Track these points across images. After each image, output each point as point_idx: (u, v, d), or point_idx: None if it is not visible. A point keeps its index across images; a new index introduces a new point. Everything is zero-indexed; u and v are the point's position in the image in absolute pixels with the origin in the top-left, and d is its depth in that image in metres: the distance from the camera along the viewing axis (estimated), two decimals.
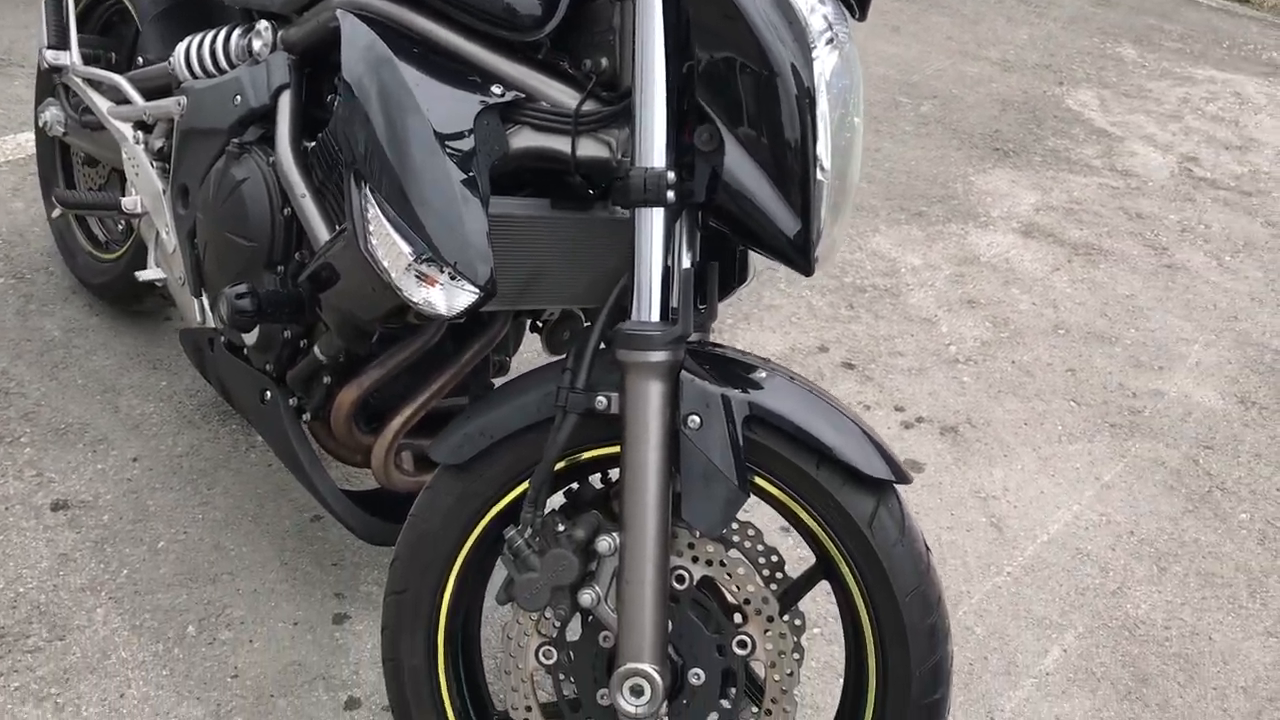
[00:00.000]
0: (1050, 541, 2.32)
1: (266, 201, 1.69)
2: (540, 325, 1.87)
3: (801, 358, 2.75)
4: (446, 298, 1.36)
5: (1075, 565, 2.26)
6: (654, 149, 1.30)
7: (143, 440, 2.22)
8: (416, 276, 1.36)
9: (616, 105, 1.38)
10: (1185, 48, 5.40)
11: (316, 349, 1.66)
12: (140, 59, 2.15)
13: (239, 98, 1.75)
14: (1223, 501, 2.47)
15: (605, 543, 1.36)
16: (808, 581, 1.50)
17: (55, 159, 2.63)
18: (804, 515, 1.40)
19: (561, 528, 1.39)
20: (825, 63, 1.30)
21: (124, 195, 2.06)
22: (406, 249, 1.34)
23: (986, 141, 4.11)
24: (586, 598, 1.37)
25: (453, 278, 1.35)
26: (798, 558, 2.05)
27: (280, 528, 2.06)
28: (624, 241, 1.46)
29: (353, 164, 1.39)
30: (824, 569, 1.46)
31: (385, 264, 1.36)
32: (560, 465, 1.44)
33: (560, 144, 1.41)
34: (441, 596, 1.49)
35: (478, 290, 1.35)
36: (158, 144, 2.03)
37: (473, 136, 1.37)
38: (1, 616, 1.82)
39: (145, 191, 2.02)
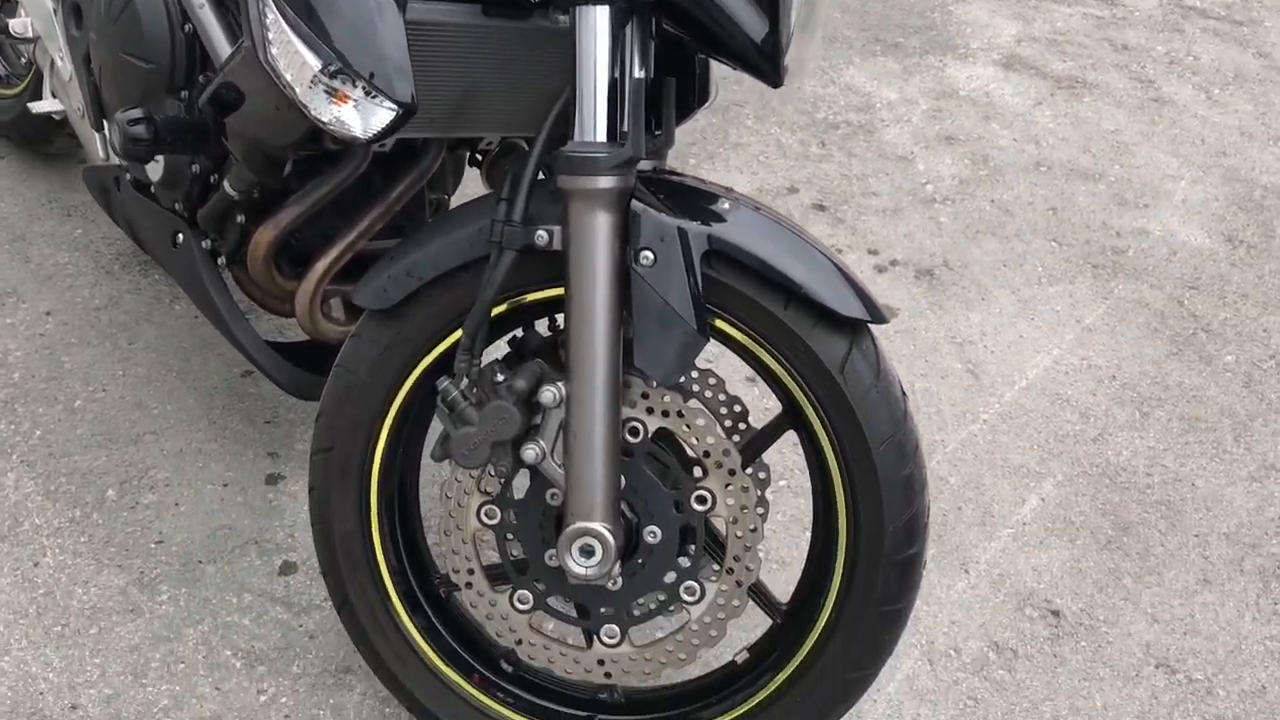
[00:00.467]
0: (1029, 387, 2.21)
1: (164, 16, 1.49)
2: (479, 158, 1.69)
3: (769, 199, 2.58)
4: (361, 117, 1.19)
5: (1054, 411, 2.16)
6: None
7: (56, 293, 2.05)
8: (326, 92, 1.18)
9: None
10: None
11: (226, 184, 1.48)
12: None
13: None
14: (1208, 344, 2.36)
15: (549, 393, 1.23)
16: (773, 432, 1.37)
17: None
18: (769, 360, 1.26)
19: (501, 378, 1.25)
20: None
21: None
22: (313, 60, 1.16)
23: None
24: (530, 453, 1.24)
25: (368, 93, 1.17)
26: (762, 408, 1.93)
27: (208, 384, 1.91)
28: (569, 57, 1.28)
29: None
30: (791, 418, 1.33)
31: (289, 78, 1.18)
32: (501, 309, 1.29)
33: None
34: (372, 454, 1.35)
35: (395, 107, 1.18)
36: None
37: None
38: None
39: (34, 12, 1.80)
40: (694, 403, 1.39)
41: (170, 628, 1.55)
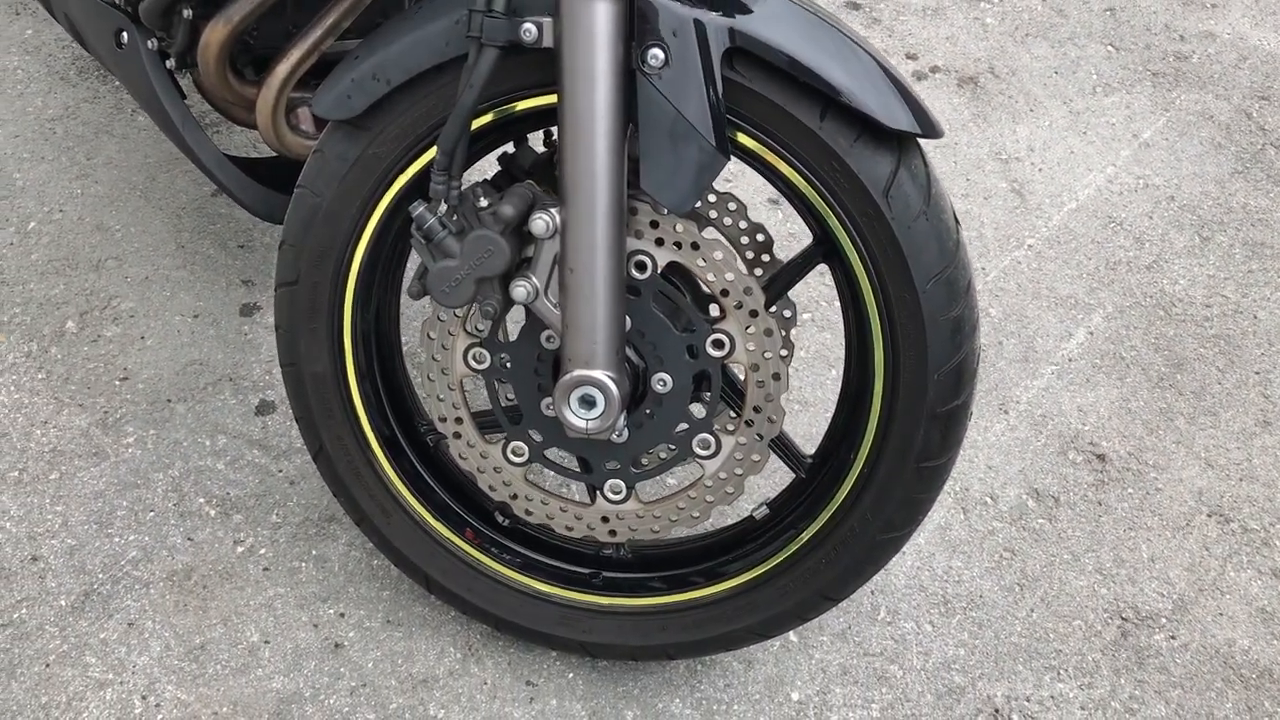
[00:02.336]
0: (1079, 209, 2.01)
1: None
2: None
3: None
4: None
5: (1106, 236, 1.97)
6: None
7: (5, 101, 1.85)
8: None
9: None
10: None
11: None
12: None
13: None
14: (1277, 161, 2.14)
15: (541, 221, 1.05)
16: (802, 266, 1.20)
17: None
18: (800, 182, 1.07)
19: (485, 202, 1.07)
20: None
21: None
22: None
23: None
24: (521, 291, 1.08)
25: None
26: (787, 234, 1.74)
27: (175, 204, 1.74)
28: None
29: None
30: (823, 250, 1.15)
31: None
32: (486, 119, 1.11)
33: None
34: (343, 288, 1.19)
35: None
36: None
37: None
38: None
39: None
40: (710, 232, 1.21)
41: (137, 473, 1.42)
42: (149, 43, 1.39)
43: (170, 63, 1.40)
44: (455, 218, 1.07)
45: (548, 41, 1.01)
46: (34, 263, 1.62)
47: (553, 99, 1.07)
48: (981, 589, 1.44)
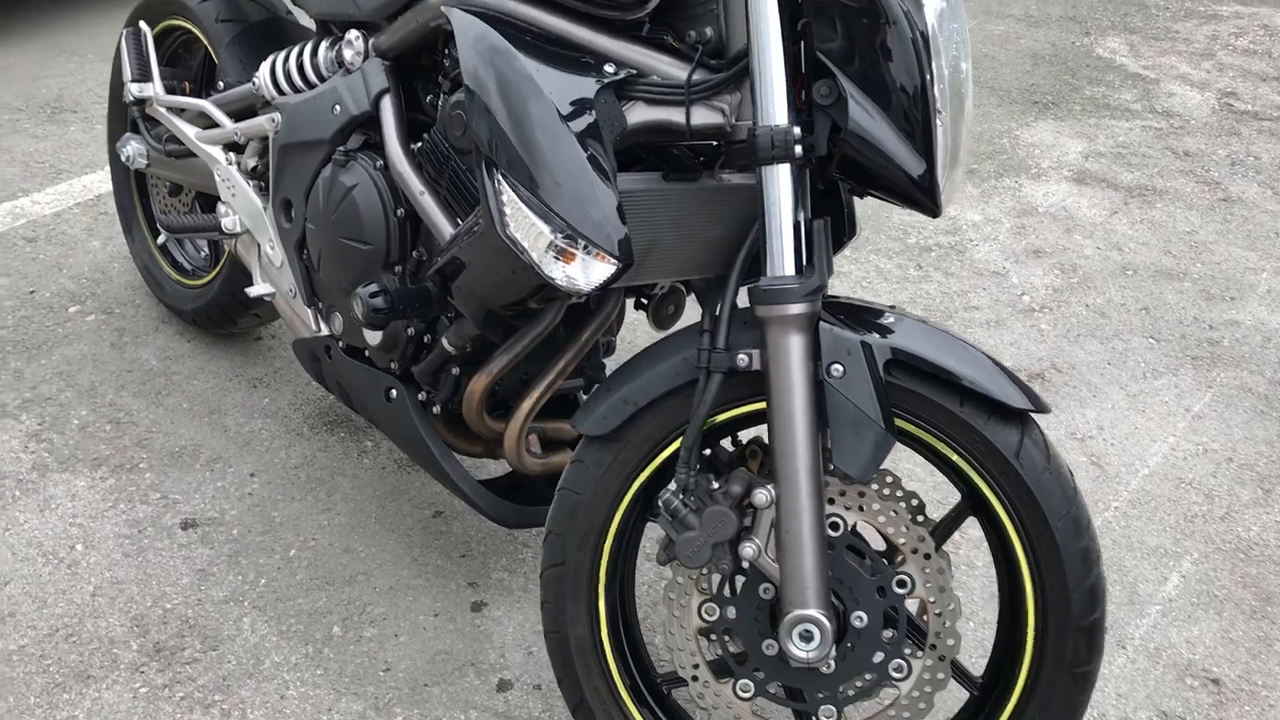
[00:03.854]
0: (1152, 474, 2.34)
1: (379, 204, 1.74)
2: (644, 302, 1.90)
3: None
4: (585, 272, 1.40)
5: (1180, 495, 2.28)
6: (776, 107, 1.34)
7: (256, 456, 2.27)
8: (555, 255, 1.39)
9: (726, 72, 1.41)
10: None
11: (445, 341, 1.70)
12: (221, 83, 2.20)
13: (338, 108, 1.80)
14: None
15: (763, 495, 1.40)
16: (955, 519, 1.53)
17: (133, 192, 2.68)
18: (949, 453, 1.43)
19: (716, 485, 1.43)
20: (935, 8, 1.33)
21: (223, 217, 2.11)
22: (545, 228, 1.38)
23: (1024, 96, 4.13)
24: (749, 550, 1.41)
25: (590, 251, 1.39)
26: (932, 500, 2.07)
27: (404, 525, 2.11)
28: (730, 208, 1.50)
29: (483, 153, 1.43)
30: (971, 505, 1.49)
31: (525, 245, 1.40)
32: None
33: (674, 115, 1.45)
34: (599, 564, 1.53)
35: (616, 261, 1.39)
36: (251, 163, 2.08)
37: (594, 114, 1.41)
38: (155, 632, 1.87)
39: (244, 210, 2.07)
40: (879, 498, 1.55)
41: None
42: (419, 395, 1.81)
43: (435, 409, 1.81)
44: (693, 498, 1.42)
45: (756, 366, 1.41)
46: (299, 582, 1.98)
47: (746, 409, 1.47)
48: None
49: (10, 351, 2.54)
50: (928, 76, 1.32)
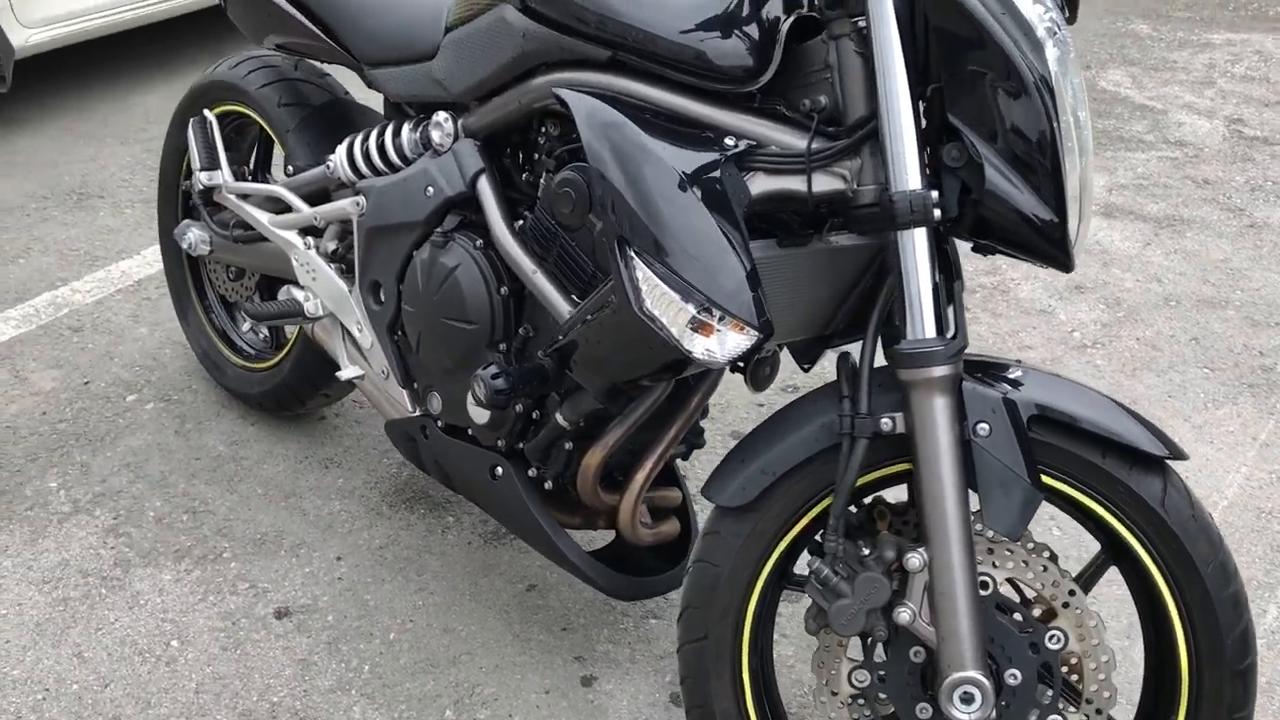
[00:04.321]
0: (1231, 505, 2.35)
1: (483, 284, 1.74)
2: (742, 365, 1.90)
3: None
4: (722, 344, 1.41)
5: (1263, 524, 2.29)
6: (910, 172, 1.35)
7: (340, 539, 2.25)
8: (693, 329, 1.40)
9: (846, 139, 1.42)
10: (1194, 15, 5.50)
11: (559, 417, 1.69)
12: (290, 167, 2.20)
13: (430, 189, 1.80)
14: None
15: (916, 559, 1.40)
16: (1096, 571, 1.53)
17: (186, 277, 2.67)
18: (1091, 504, 1.43)
19: (866, 551, 1.42)
20: (1055, 59, 1.35)
21: (303, 301, 2.10)
22: (686, 303, 1.38)
23: None
24: (904, 615, 1.41)
25: (726, 323, 1.39)
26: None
27: (500, 601, 2.09)
28: (837, 269, 1.52)
29: (613, 231, 1.43)
30: (1112, 555, 1.49)
31: (664, 321, 1.40)
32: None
33: (796, 184, 1.46)
34: (741, 637, 1.52)
35: (756, 332, 1.39)
36: (331, 246, 2.08)
37: (721, 186, 1.42)
38: None
39: (326, 294, 2.06)
40: (1024, 553, 1.55)
41: None
42: (529, 472, 1.79)
43: (547, 485, 1.80)
44: (843, 566, 1.42)
45: (901, 429, 1.41)
46: (403, 666, 1.95)
47: (884, 472, 1.47)
48: None
49: (74, 445, 2.51)
50: (1056, 130, 1.33)
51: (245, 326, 2.63)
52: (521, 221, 1.72)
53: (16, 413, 2.62)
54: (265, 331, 2.63)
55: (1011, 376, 1.44)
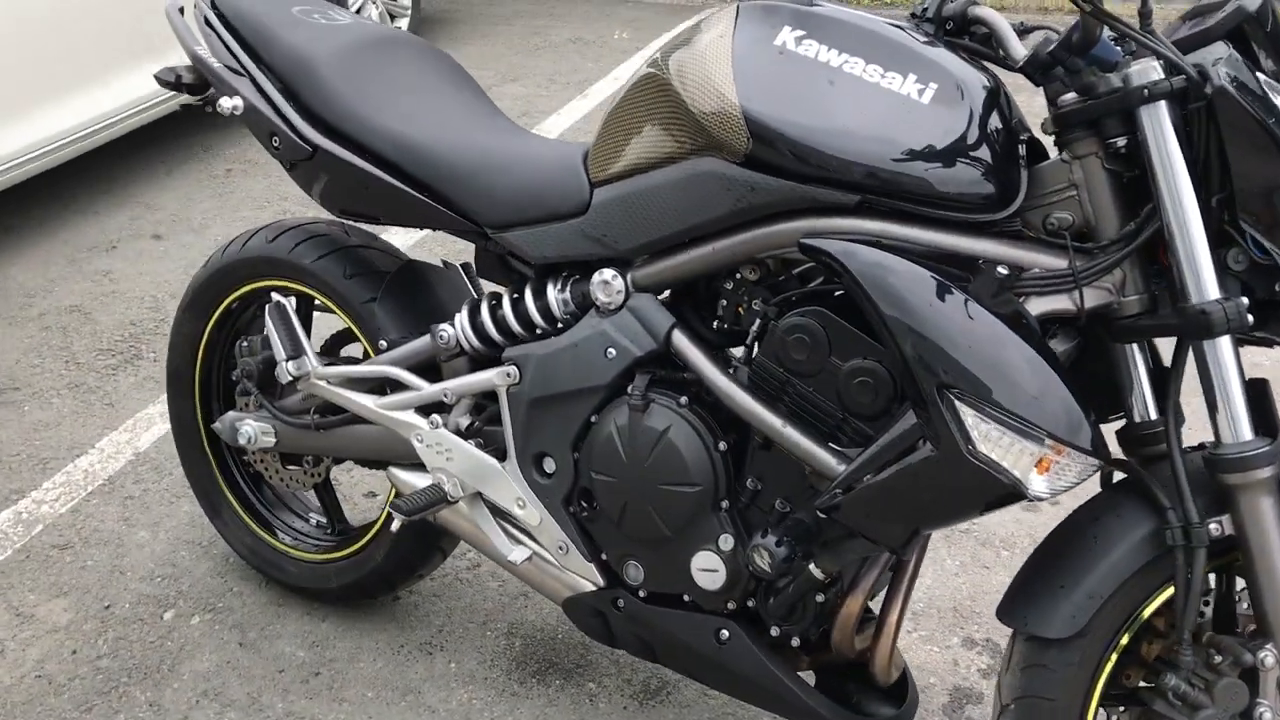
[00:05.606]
0: None
1: (699, 442, 1.66)
2: None
3: None
4: (1062, 476, 1.39)
5: None
6: (1208, 283, 1.38)
7: None
8: (1034, 465, 1.37)
9: (1116, 255, 1.44)
10: None
11: (813, 569, 1.61)
12: (383, 342, 2.03)
13: (611, 351, 1.71)
14: None
15: (1270, 656, 1.41)
16: None
17: (214, 473, 2.43)
18: None
19: (1219, 658, 1.42)
20: None
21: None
22: (1030, 444, 1.36)
23: None
24: (1266, 715, 1.41)
25: (1065, 454, 1.37)
26: None
27: None
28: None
29: (931, 379, 1.39)
30: None
31: (1005, 464, 1.37)
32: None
33: (1064, 302, 1.46)
34: None
35: (1094, 459, 1.38)
36: (465, 421, 1.93)
37: (1023, 315, 1.42)
38: None
39: (466, 473, 1.91)
40: None
41: None
42: (772, 630, 1.70)
43: (794, 642, 1.71)
44: (1198, 678, 1.42)
45: (1229, 532, 1.42)
46: None
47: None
48: None
49: (129, 683, 2.21)
50: None
51: (312, 521, 2.41)
52: (734, 371, 1.65)
53: (41, 657, 2.28)
54: (321, 519, 2.42)
55: None
